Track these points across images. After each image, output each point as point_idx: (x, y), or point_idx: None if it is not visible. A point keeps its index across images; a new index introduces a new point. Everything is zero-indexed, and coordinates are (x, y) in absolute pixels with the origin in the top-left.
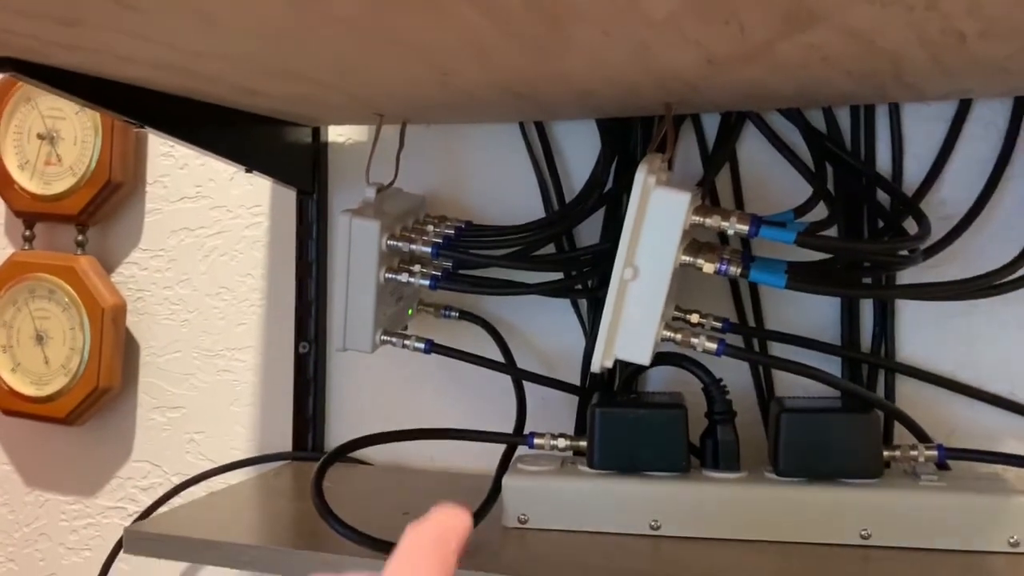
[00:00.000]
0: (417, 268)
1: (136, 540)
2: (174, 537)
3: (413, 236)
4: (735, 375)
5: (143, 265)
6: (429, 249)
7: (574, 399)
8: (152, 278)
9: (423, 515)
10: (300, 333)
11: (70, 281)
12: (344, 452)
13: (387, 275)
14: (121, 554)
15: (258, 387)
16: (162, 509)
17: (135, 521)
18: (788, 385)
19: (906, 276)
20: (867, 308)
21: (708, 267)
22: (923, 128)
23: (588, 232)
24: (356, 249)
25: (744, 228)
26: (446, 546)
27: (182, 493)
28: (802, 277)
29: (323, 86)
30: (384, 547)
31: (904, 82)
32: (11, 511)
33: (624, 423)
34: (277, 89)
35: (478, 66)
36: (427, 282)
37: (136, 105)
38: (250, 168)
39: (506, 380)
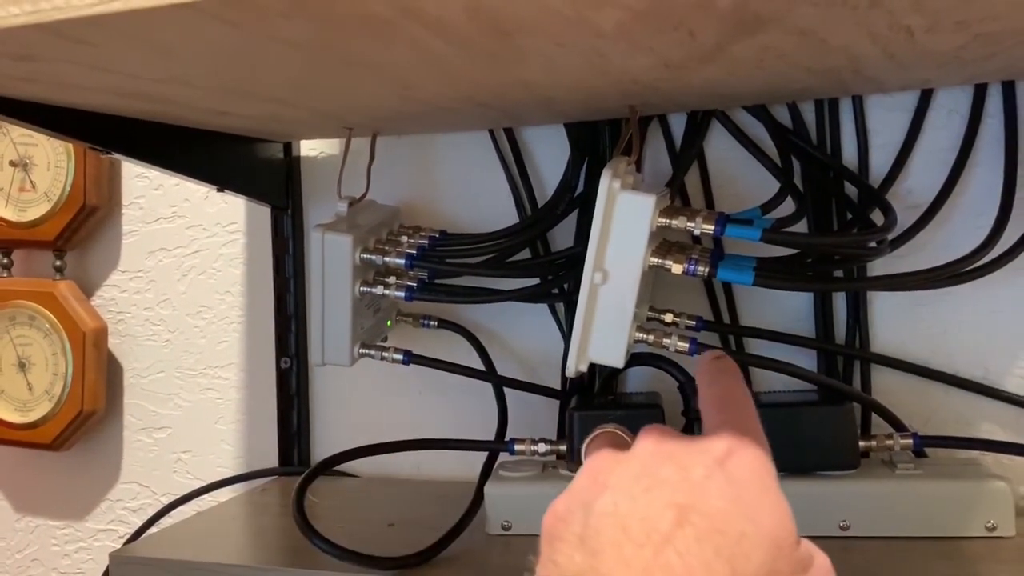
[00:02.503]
0: (392, 280)
1: (122, 564)
2: (160, 560)
3: (387, 248)
4: None
5: (122, 287)
6: (403, 260)
7: (556, 403)
8: (132, 300)
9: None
10: (281, 349)
11: (50, 307)
12: (325, 468)
13: (362, 288)
14: None
15: (242, 404)
16: (152, 530)
17: (125, 543)
18: (767, 380)
19: (876, 267)
20: (840, 300)
21: (677, 268)
22: (887, 118)
23: (563, 236)
24: (330, 264)
25: (710, 228)
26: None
27: (171, 513)
28: (770, 273)
29: (287, 105)
30: (366, 561)
31: (863, 76)
32: (2, 538)
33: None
34: (243, 109)
35: (437, 80)
36: (402, 294)
37: (101, 131)
38: (222, 187)
39: (488, 387)
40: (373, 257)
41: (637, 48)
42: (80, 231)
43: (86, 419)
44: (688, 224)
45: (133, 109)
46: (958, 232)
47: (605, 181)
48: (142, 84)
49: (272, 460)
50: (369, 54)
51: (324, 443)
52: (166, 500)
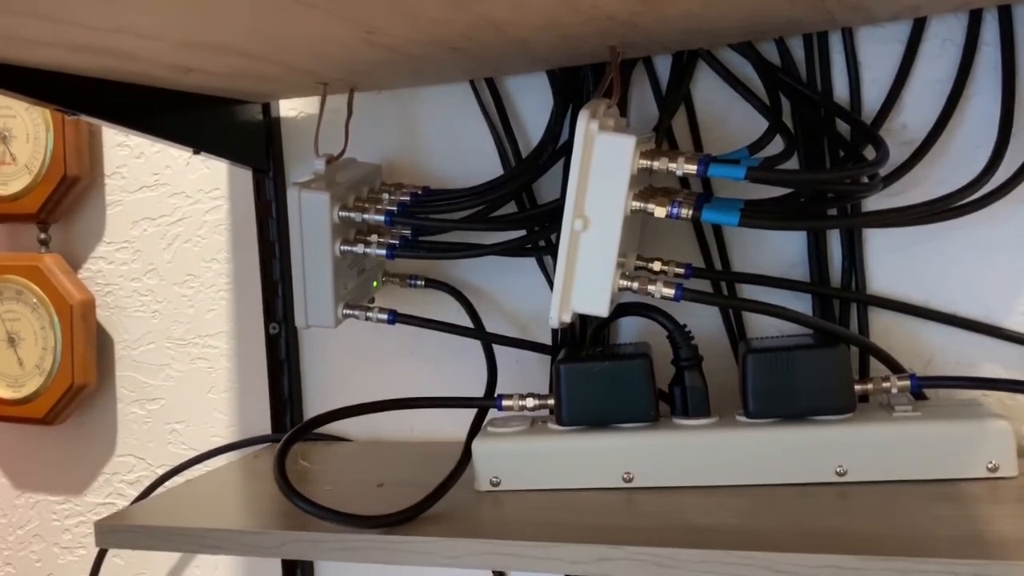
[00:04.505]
0: (374, 238)
1: (108, 533)
2: (145, 527)
3: (366, 206)
4: (707, 320)
5: (109, 258)
6: (382, 217)
7: (548, 359)
8: (119, 271)
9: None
10: (269, 314)
11: (36, 280)
12: (308, 429)
13: (343, 247)
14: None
15: (233, 372)
16: None
17: None
18: (762, 326)
19: (872, 206)
20: (835, 242)
21: (660, 211)
22: (879, 51)
23: (551, 188)
24: (308, 223)
25: (693, 168)
26: None
27: (166, 483)
28: (758, 214)
29: (252, 57)
30: (349, 520)
31: (848, 3)
32: (3, 515)
33: (589, 377)
34: (207, 64)
35: (400, 20)
36: (384, 251)
37: (65, 92)
38: (199, 150)
39: (480, 345)
40: (352, 215)
41: None
42: (63, 203)
43: (78, 392)
44: (670, 165)
45: (94, 66)
46: (955, 166)
47: (582, 123)
48: (95, 36)
49: (265, 427)
50: None
51: (317, 408)
52: (162, 471)
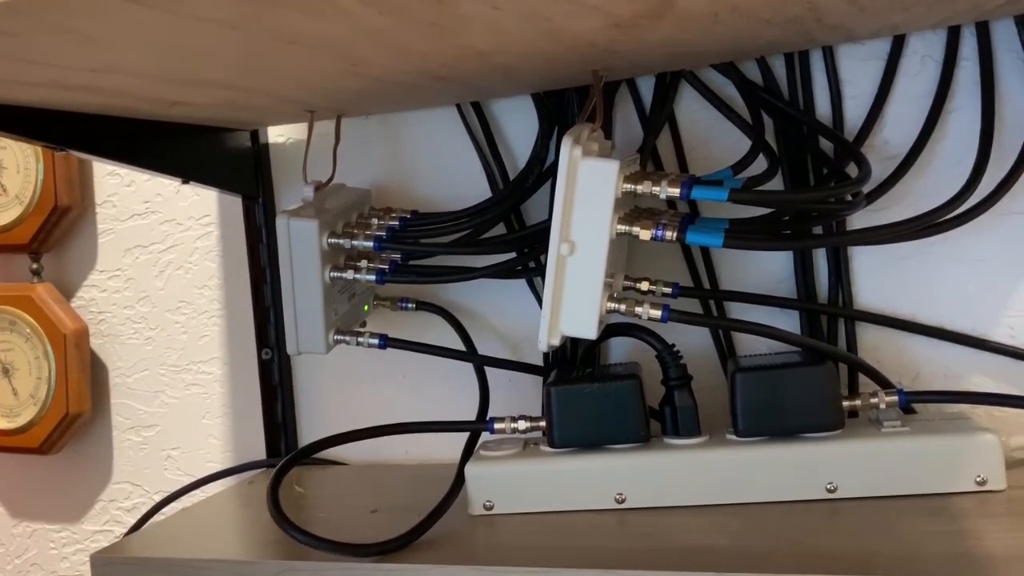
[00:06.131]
0: (363, 264)
1: (104, 566)
2: (141, 559)
3: (355, 231)
4: (696, 337)
5: (101, 287)
6: (371, 243)
7: (539, 378)
8: (112, 299)
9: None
10: (261, 340)
11: (29, 311)
12: (299, 458)
13: (332, 274)
14: None
15: (227, 398)
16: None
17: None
18: (751, 343)
19: (856, 222)
20: (821, 259)
21: (644, 234)
22: (860, 68)
23: (539, 209)
24: (297, 250)
25: (676, 191)
26: None
27: (163, 510)
28: (742, 234)
29: (238, 90)
30: (342, 549)
31: (827, 24)
32: (0, 544)
33: (579, 399)
34: (192, 97)
35: (384, 53)
36: (373, 277)
37: (53, 128)
38: (187, 180)
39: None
40: (341, 241)
41: (581, 8)
42: (54, 232)
43: (73, 421)
44: (654, 188)
45: (80, 103)
46: (938, 181)
47: (566, 149)
48: (79, 75)
49: (260, 452)
50: (304, 29)
51: (311, 431)
52: (159, 498)
